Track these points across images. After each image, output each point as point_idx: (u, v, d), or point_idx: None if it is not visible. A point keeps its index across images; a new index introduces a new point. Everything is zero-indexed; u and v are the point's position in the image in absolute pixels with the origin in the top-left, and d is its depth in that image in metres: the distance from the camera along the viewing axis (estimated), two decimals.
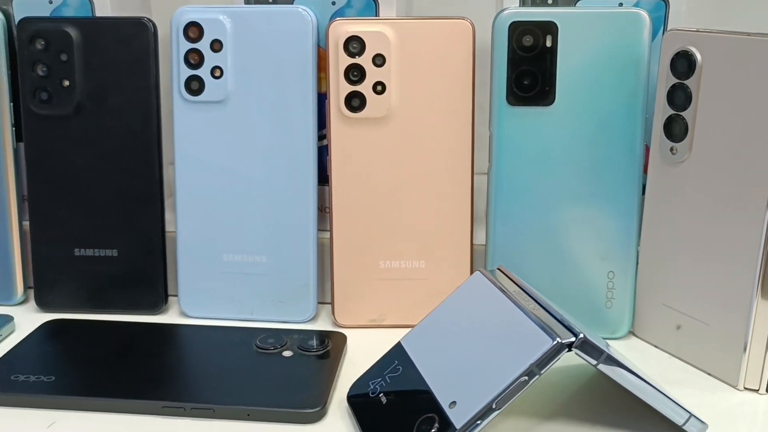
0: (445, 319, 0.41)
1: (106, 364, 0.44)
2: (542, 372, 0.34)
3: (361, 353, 0.46)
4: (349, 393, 0.41)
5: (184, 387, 0.42)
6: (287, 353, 0.45)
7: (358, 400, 0.40)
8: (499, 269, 0.43)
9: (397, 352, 0.41)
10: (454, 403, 0.35)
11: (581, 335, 0.34)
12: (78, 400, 0.41)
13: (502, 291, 0.39)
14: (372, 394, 0.40)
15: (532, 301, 0.38)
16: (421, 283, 0.49)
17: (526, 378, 0.34)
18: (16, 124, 0.51)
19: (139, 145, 0.50)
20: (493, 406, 0.34)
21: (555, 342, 0.34)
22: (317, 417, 0.40)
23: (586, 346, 0.35)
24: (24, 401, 0.41)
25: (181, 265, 0.51)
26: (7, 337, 0.48)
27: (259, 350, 0.45)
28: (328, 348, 0.46)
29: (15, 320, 0.49)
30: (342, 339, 0.47)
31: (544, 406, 0.41)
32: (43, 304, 0.52)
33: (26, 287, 0.53)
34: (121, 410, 0.40)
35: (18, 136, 0.51)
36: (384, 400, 0.39)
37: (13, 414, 0.40)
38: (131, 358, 0.45)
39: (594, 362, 0.35)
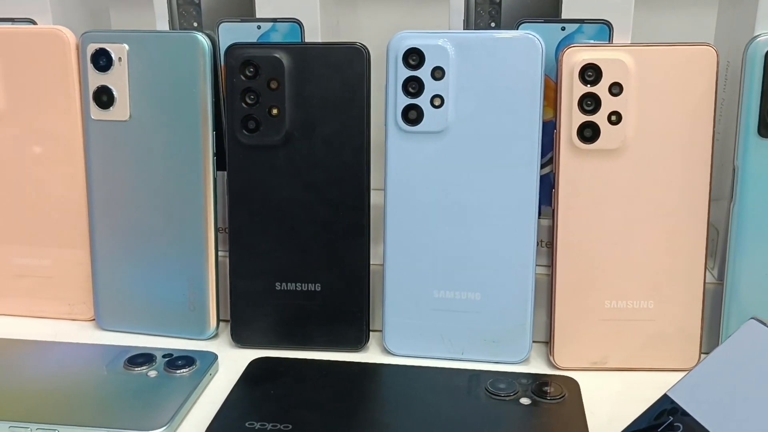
0: (724, 372, 0.38)
1: (333, 410, 0.42)
2: None
3: (597, 400, 0.44)
4: None
5: None
6: (525, 400, 0.42)
7: None
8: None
9: (666, 405, 0.39)
10: None
11: None
12: None
13: None
14: None
15: None
16: (647, 324, 0.46)
17: None
18: (217, 153, 0.49)
19: (349, 176, 0.48)
20: None
21: None
22: None
23: None
24: None
25: (389, 301, 0.48)
26: (214, 376, 0.47)
27: (491, 396, 0.43)
28: (563, 395, 0.43)
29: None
30: (574, 385, 0.44)
31: None
32: (239, 340, 0.50)
33: (219, 321, 0.52)
34: None
35: (217, 165, 0.50)
36: None
37: None
38: (355, 402, 0.43)
39: None
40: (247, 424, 0.40)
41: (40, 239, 0.53)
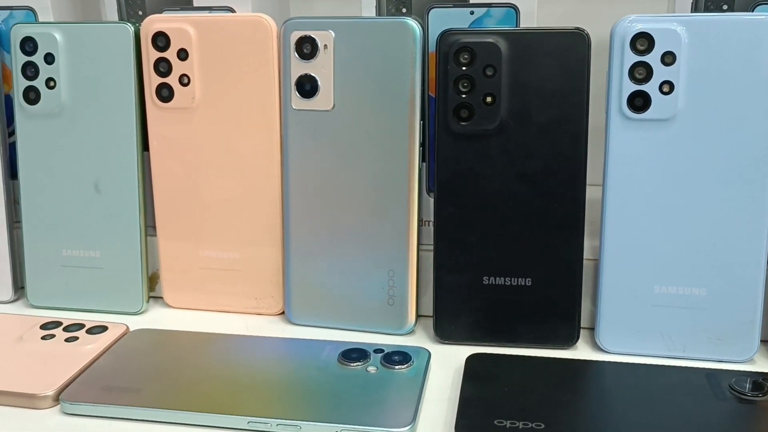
0: None
1: (579, 408, 0.40)
2: None
3: None
4: None
5: None
6: None
7: None
8: None
9: None
10: None
11: None
12: None
13: None
14: None
15: None
16: None
17: None
18: (422, 143, 0.48)
19: (566, 166, 0.46)
20: None
21: None
22: None
23: None
24: None
25: (605, 297, 0.46)
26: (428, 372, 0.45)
27: (739, 396, 0.41)
28: None
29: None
30: None
31: None
32: (443, 335, 0.48)
33: (417, 316, 0.50)
34: None
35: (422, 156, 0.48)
36: None
37: None
38: (597, 400, 0.41)
39: None
40: (496, 422, 0.38)
41: (228, 232, 0.52)
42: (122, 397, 0.41)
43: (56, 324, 0.49)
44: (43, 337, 0.48)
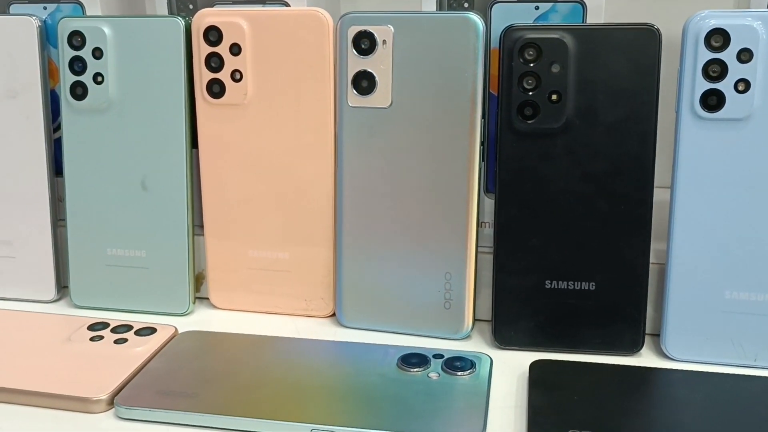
0: None
1: (655, 419, 0.38)
2: None
3: None
4: None
5: None
6: None
7: None
8: None
9: None
10: None
11: None
12: None
13: None
14: None
15: None
16: None
17: None
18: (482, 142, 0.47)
19: (634, 166, 0.44)
20: None
21: None
22: None
23: None
24: None
25: (672, 302, 0.45)
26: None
27: None
28: None
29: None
30: None
31: None
32: (503, 340, 0.47)
33: (474, 321, 0.49)
34: None
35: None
36: None
37: None
38: (672, 411, 0.39)
39: None
40: None
41: (279, 231, 0.51)
42: (179, 402, 0.40)
43: (104, 325, 0.48)
44: (91, 339, 0.46)
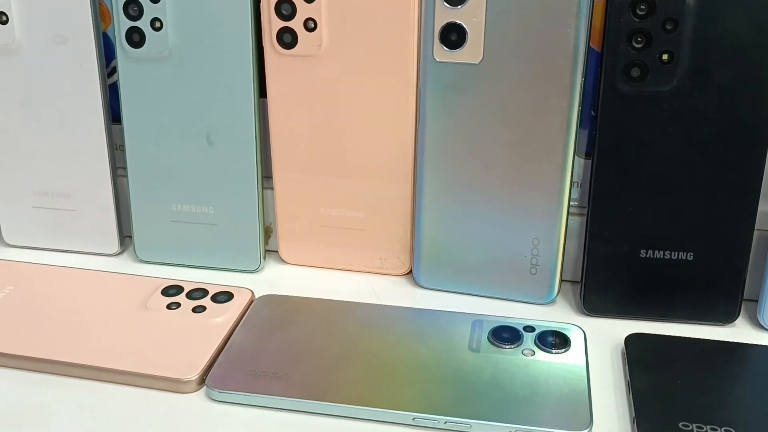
0: None
1: (764, 411, 0.38)
2: None
3: None
4: None
5: None
6: None
7: None
8: None
9: None
10: None
11: None
12: None
13: None
14: None
15: None
16: None
17: None
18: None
19: (744, 132, 0.41)
20: None
21: None
22: None
23: None
24: None
25: None
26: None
27: None
28: None
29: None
30: None
31: None
32: (592, 308, 0.45)
33: (560, 285, 0.47)
34: None
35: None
36: None
37: None
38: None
39: None
40: (681, 425, 0.36)
41: (353, 189, 0.48)
42: (272, 385, 0.39)
43: (178, 289, 0.46)
44: (168, 306, 0.45)
